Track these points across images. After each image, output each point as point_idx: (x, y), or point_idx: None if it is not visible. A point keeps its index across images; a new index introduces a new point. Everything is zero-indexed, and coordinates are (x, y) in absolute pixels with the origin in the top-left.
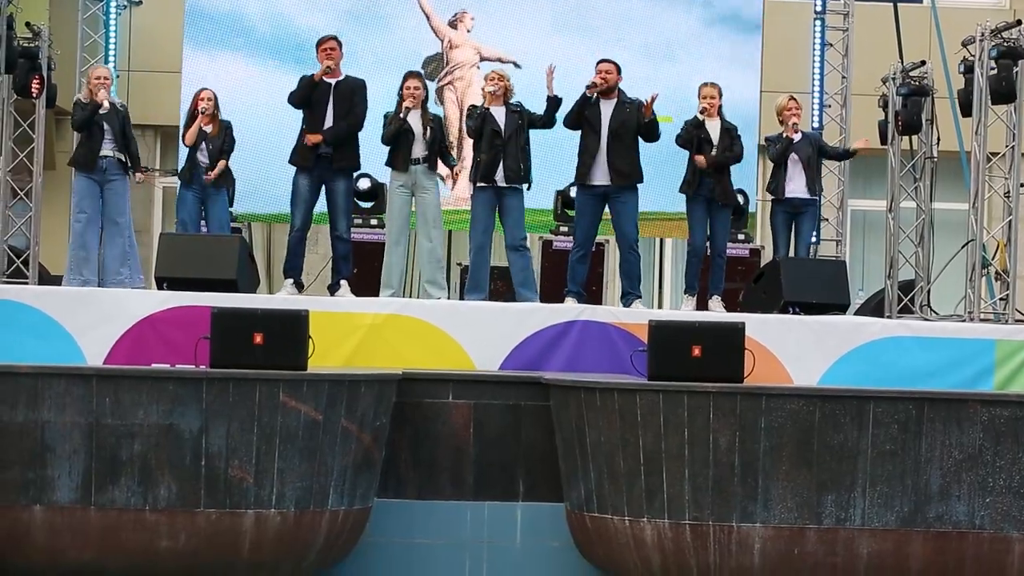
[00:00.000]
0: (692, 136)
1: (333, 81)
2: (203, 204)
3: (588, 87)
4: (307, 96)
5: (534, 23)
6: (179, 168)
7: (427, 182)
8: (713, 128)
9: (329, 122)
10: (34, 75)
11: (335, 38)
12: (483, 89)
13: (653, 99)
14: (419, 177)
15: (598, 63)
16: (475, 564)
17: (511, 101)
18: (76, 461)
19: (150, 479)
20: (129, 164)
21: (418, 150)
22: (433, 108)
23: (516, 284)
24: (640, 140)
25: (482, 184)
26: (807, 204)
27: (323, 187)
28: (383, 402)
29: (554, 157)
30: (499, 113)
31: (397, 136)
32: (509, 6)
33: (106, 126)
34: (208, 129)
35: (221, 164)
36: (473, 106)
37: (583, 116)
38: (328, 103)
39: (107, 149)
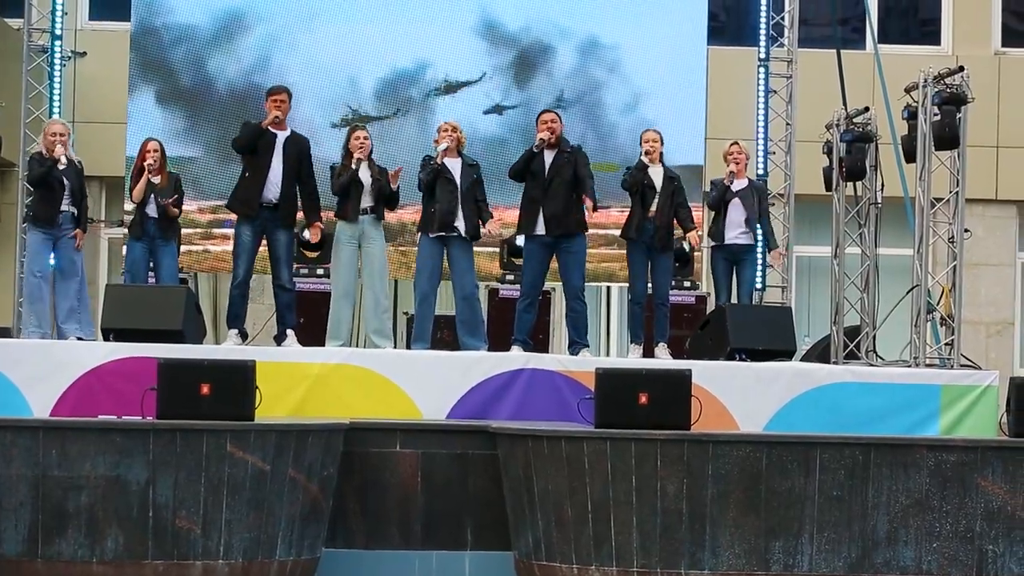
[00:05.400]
0: (637, 181)
1: (281, 134)
2: (151, 256)
3: (537, 144)
4: (253, 142)
5: None
6: (124, 220)
7: (373, 232)
8: (656, 175)
9: (276, 172)
10: None
11: (286, 89)
12: (436, 142)
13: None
14: (366, 227)
15: (540, 114)
16: None
17: (464, 153)
18: (22, 514)
19: (97, 531)
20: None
21: (366, 200)
22: None
23: (460, 333)
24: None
25: (432, 235)
26: (747, 250)
27: (265, 237)
28: (330, 452)
29: (500, 206)
30: (454, 165)
31: (348, 187)
32: None
33: (66, 182)
34: (156, 180)
35: (174, 211)
36: (428, 156)
37: (528, 168)
38: (273, 154)
39: (65, 204)
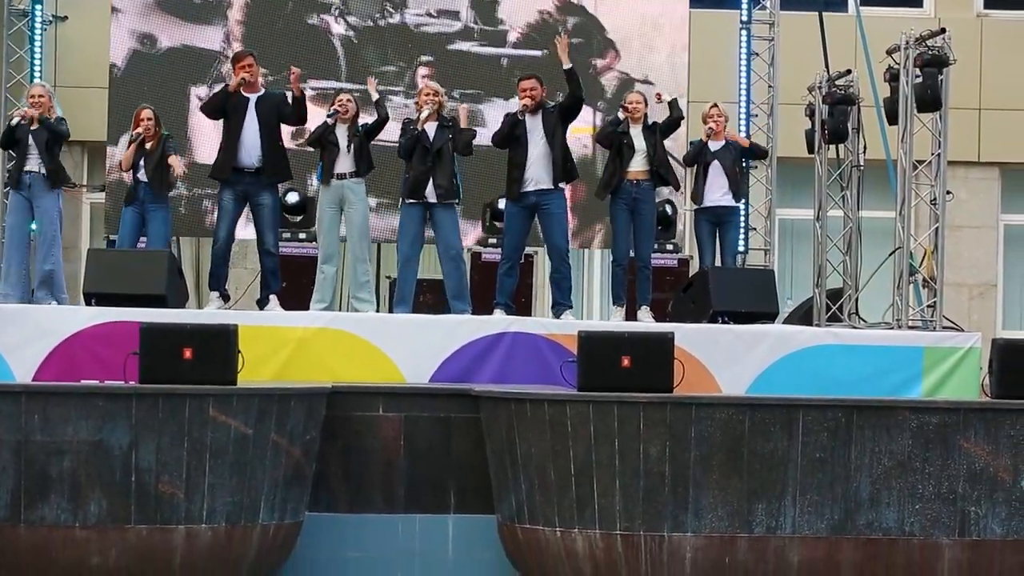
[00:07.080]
0: (613, 136)
1: (253, 96)
2: (143, 221)
3: (520, 111)
4: (220, 106)
5: None
6: (106, 184)
7: (353, 197)
8: (637, 134)
9: (252, 135)
10: None
11: (251, 54)
12: (416, 104)
13: (567, 44)
14: (345, 192)
15: (520, 80)
16: None
17: (443, 115)
18: (5, 478)
19: (80, 496)
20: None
21: (343, 165)
22: None
23: (450, 296)
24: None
25: (411, 200)
26: (729, 212)
27: (248, 201)
28: (313, 416)
29: (481, 170)
30: (431, 129)
31: (321, 143)
32: None
33: (31, 141)
34: (147, 146)
35: (175, 163)
36: (408, 120)
37: (512, 135)
38: (246, 117)
39: (32, 164)
